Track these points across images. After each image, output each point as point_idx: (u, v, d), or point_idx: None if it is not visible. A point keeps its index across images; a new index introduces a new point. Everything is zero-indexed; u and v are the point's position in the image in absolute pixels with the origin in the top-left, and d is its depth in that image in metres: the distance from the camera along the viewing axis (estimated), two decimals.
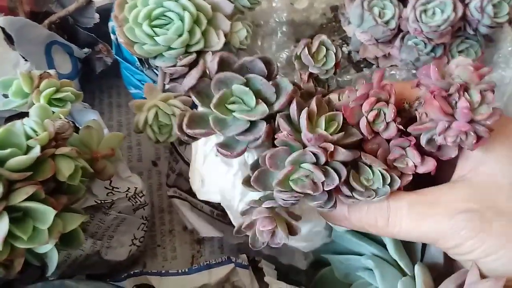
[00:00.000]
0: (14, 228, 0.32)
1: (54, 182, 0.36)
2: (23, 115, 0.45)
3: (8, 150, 0.33)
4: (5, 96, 0.45)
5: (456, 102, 0.32)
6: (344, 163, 0.35)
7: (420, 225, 0.36)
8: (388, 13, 0.54)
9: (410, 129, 0.35)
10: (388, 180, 0.36)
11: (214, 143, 0.39)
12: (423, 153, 0.36)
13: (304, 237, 0.47)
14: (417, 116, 0.36)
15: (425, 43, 0.54)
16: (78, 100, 0.43)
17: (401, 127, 0.35)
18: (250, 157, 0.42)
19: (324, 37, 0.40)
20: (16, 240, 0.32)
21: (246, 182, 0.36)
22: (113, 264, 0.50)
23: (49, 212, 0.33)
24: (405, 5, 0.54)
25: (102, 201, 0.45)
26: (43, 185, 0.34)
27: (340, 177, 0.34)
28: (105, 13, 0.62)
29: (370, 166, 0.36)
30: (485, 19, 0.53)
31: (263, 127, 0.35)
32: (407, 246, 0.45)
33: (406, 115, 0.37)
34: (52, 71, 0.43)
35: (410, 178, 0.36)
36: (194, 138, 0.38)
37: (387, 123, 0.35)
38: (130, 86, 0.64)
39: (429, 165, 0.35)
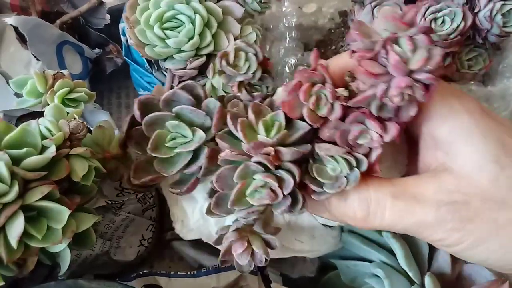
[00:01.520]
0: (29, 227, 0.32)
1: (68, 182, 0.36)
2: (35, 114, 0.45)
3: (24, 150, 0.33)
4: (18, 95, 0.45)
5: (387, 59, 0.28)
6: (300, 160, 0.33)
7: (404, 218, 0.34)
8: None
9: (351, 103, 0.31)
10: (354, 163, 0.33)
11: None
12: (383, 120, 0.32)
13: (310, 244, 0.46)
14: (356, 87, 0.32)
15: None
16: (91, 101, 0.44)
17: (346, 103, 0.32)
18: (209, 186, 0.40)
19: (238, 42, 0.38)
20: (30, 239, 0.33)
21: (209, 211, 0.34)
22: (121, 264, 0.51)
23: (64, 212, 0.33)
24: None
25: (112, 202, 0.45)
26: (58, 185, 0.34)
27: (294, 178, 0.32)
28: (116, 14, 0.63)
29: (331, 156, 0.33)
30: (494, 28, 0.53)
31: (203, 154, 0.35)
32: (413, 255, 0.45)
33: (350, 86, 0.34)
34: (65, 71, 0.44)
35: (380, 150, 0.33)
36: (146, 187, 0.37)
37: (331, 104, 0.32)
38: (139, 88, 0.64)
39: (393, 131, 0.31)
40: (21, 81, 0.43)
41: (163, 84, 0.58)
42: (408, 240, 0.46)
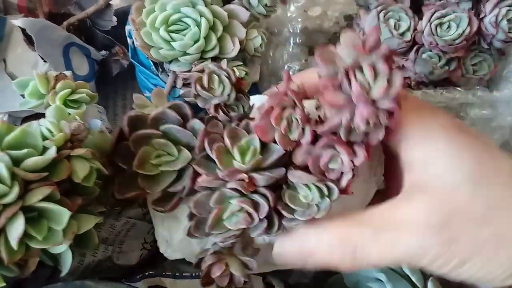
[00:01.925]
0: (29, 228, 0.32)
1: (69, 183, 0.36)
2: (40, 115, 0.45)
3: (24, 151, 0.33)
4: (23, 96, 0.46)
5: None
6: (275, 185, 0.34)
7: (390, 252, 0.34)
8: (403, 25, 0.55)
9: (319, 131, 0.32)
10: (326, 191, 0.33)
11: None
12: (352, 144, 0.32)
13: None
14: (322, 115, 0.32)
15: (439, 57, 0.54)
16: (93, 102, 0.44)
17: (317, 128, 0.32)
18: None
19: (209, 65, 0.38)
20: (31, 240, 0.33)
21: (189, 233, 0.35)
22: (124, 268, 0.51)
23: (64, 213, 0.33)
24: (420, 18, 0.54)
25: (110, 208, 0.45)
26: (59, 186, 0.34)
27: (269, 202, 0.33)
28: (122, 16, 0.63)
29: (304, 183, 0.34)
30: (500, 34, 0.53)
31: (188, 174, 0.35)
32: None
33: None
34: (67, 72, 0.44)
35: (351, 175, 0.33)
36: (131, 202, 0.38)
37: (302, 129, 0.32)
38: (145, 89, 0.65)
39: (361, 155, 0.31)
40: (24, 82, 0.43)
41: None
42: None
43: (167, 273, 0.52)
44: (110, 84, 0.72)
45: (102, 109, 0.53)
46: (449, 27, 0.52)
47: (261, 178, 0.33)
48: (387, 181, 0.43)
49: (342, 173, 0.33)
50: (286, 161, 0.34)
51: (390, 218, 0.34)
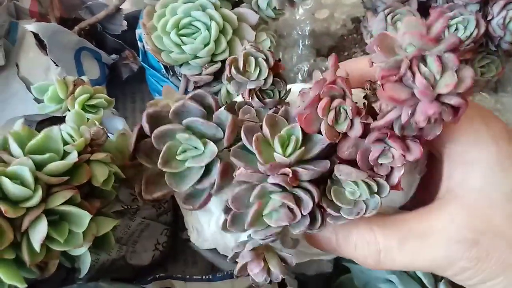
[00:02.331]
0: (51, 231, 0.33)
1: (88, 186, 0.37)
2: (55, 119, 0.46)
3: (46, 155, 0.34)
4: (37, 100, 0.47)
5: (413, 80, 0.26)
6: (318, 179, 0.31)
7: (414, 260, 0.33)
8: None
9: (373, 126, 0.29)
10: (375, 188, 0.31)
11: None
12: (405, 139, 0.30)
13: None
14: (378, 107, 0.30)
15: None
16: (110, 107, 0.44)
17: (367, 120, 0.29)
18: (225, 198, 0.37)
19: (247, 47, 0.35)
20: (52, 243, 0.33)
21: (224, 227, 0.33)
22: (136, 268, 0.51)
23: (85, 216, 0.34)
24: None
25: (128, 207, 0.46)
26: (79, 189, 0.35)
27: (313, 198, 0.31)
28: (132, 20, 0.64)
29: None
30: (507, 36, 0.54)
31: (216, 169, 0.33)
32: None
33: (372, 100, 0.32)
34: (85, 78, 0.45)
35: (402, 170, 0.31)
36: (159, 201, 0.36)
37: (351, 120, 0.29)
38: (155, 92, 0.65)
39: (416, 151, 0.29)
40: (43, 87, 0.44)
41: (178, 88, 0.59)
42: None
43: (177, 275, 0.52)
44: (120, 87, 0.73)
45: (115, 112, 0.53)
46: (456, 29, 0.52)
47: (305, 173, 0.30)
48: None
49: (392, 168, 0.31)
50: (329, 151, 0.32)
51: (419, 225, 0.33)
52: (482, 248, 0.32)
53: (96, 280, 0.47)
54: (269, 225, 0.32)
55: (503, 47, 0.55)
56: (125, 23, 0.64)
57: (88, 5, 0.67)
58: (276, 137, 0.31)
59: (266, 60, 0.35)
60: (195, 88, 0.57)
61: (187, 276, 0.51)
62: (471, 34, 0.51)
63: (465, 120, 0.32)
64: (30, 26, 0.56)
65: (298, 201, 0.31)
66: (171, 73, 0.59)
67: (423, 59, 0.26)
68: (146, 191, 0.34)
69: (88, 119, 0.40)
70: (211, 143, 0.33)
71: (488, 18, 0.53)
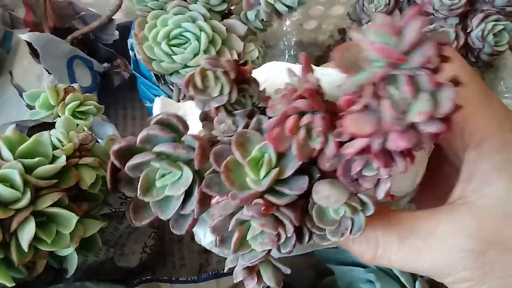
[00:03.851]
0: (39, 231, 0.34)
1: (76, 189, 0.38)
2: (46, 125, 0.47)
3: (36, 159, 0.35)
4: (30, 107, 0.48)
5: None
6: (298, 200, 0.29)
7: (412, 261, 0.32)
8: None
9: (343, 151, 0.25)
10: (359, 207, 0.28)
11: None
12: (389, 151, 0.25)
13: None
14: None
15: None
16: (99, 113, 0.46)
17: (340, 138, 0.25)
18: None
19: (202, 62, 0.30)
20: (40, 243, 0.34)
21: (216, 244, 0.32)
22: (124, 270, 0.52)
23: (72, 218, 0.35)
24: None
25: (116, 210, 0.47)
26: (67, 192, 0.36)
27: (291, 222, 0.28)
28: (124, 30, 0.65)
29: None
30: (486, 48, 0.55)
31: (194, 197, 0.31)
32: None
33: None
34: (76, 85, 0.46)
35: (389, 183, 0.27)
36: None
37: (325, 138, 0.26)
38: (146, 100, 0.67)
39: (400, 165, 0.24)
40: (34, 94, 0.45)
41: (169, 97, 0.61)
42: None
43: (163, 277, 0.53)
44: (111, 95, 0.74)
45: (106, 118, 0.55)
46: None
47: (280, 201, 0.28)
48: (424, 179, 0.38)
49: (379, 179, 0.27)
50: (309, 164, 0.29)
51: (424, 225, 0.32)
52: (488, 259, 0.30)
53: (84, 281, 0.48)
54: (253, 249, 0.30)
55: (482, 58, 0.57)
56: (117, 33, 0.66)
57: (81, 15, 0.68)
58: (247, 160, 0.28)
59: (226, 73, 0.30)
60: (185, 96, 0.58)
61: (173, 278, 0.52)
62: (451, 46, 0.53)
63: (493, 125, 0.31)
64: (24, 36, 0.57)
65: (278, 225, 0.29)
66: (162, 82, 0.61)
67: (393, 78, 0.21)
68: (135, 218, 0.32)
69: (77, 125, 0.41)
70: (186, 168, 0.31)
71: (468, 31, 0.55)
